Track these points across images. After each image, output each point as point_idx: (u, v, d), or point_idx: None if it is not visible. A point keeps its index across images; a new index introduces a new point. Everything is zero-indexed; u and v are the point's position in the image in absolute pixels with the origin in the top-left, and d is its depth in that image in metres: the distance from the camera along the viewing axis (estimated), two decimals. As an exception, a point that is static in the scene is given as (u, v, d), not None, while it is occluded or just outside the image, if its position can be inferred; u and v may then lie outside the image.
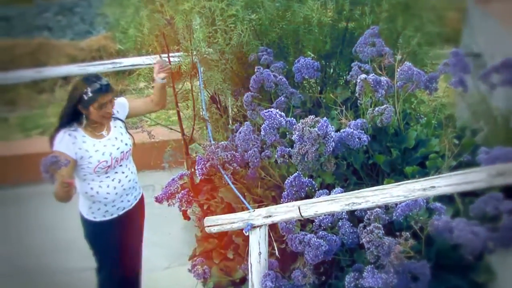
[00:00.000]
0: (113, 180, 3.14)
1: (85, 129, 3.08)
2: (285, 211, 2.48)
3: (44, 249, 4.68)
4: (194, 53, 3.79)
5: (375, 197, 2.21)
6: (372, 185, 2.52)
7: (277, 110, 3.07)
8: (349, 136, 2.88)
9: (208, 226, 2.80)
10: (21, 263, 4.54)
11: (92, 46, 9.36)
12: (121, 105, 3.33)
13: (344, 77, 4.22)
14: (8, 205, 5.41)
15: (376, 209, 2.49)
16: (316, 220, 2.73)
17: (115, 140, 3.16)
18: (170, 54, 3.82)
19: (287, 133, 3.14)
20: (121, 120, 3.32)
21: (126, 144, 3.22)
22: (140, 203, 3.44)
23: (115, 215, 3.22)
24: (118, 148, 3.14)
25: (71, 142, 2.99)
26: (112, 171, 3.12)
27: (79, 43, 9.69)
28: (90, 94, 2.96)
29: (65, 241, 4.62)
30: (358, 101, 3.25)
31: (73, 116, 3.05)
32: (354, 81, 3.35)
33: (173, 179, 3.54)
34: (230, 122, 4.42)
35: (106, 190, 3.12)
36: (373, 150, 3.13)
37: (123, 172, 3.19)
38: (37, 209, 5.19)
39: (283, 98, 3.56)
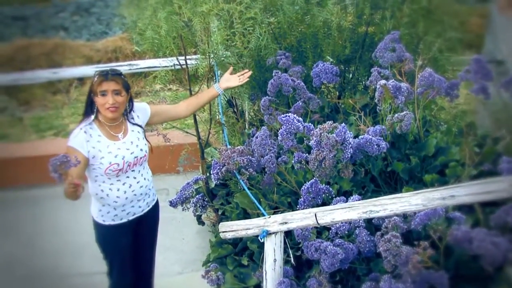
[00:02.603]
0: (123, 184, 3.13)
1: (102, 128, 3.07)
2: (301, 218, 2.48)
3: (57, 252, 4.69)
4: (212, 56, 3.81)
5: (393, 205, 2.21)
6: (390, 193, 2.53)
7: (295, 115, 3.08)
8: (368, 143, 2.88)
9: (223, 232, 2.81)
10: (33, 265, 4.56)
11: (108, 47, 9.42)
12: (142, 110, 3.32)
13: (363, 82, 4.22)
14: (21, 207, 5.44)
15: (394, 217, 2.49)
16: (333, 228, 2.73)
17: (130, 144, 3.15)
18: (187, 57, 3.84)
19: (304, 138, 3.15)
20: (139, 126, 3.30)
21: (141, 150, 3.20)
22: (154, 210, 3.42)
23: (124, 220, 3.21)
24: (132, 153, 3.13)
25: (85, 140, 2.98)
26: (123, 175, 3.11)
27: (95, 44, 9.75)
28: (95, 79, 2.97)
29: (78, 244, 4.64)
30: (377, 107, 3.26)
31: (89, 106, 3.06)
32: (373, 87, 3.36)
33: (188, 183, 3.56)
34: (247, 127, 4.43)
35: (116, 194, 3.11)
36: (391, 158, 3.13)
37: (135, 178, 3.18)
38: (50, 212, 5.22)
39: (301, 103, 3.57)
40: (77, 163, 2.52)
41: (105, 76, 2.99)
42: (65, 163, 2.45)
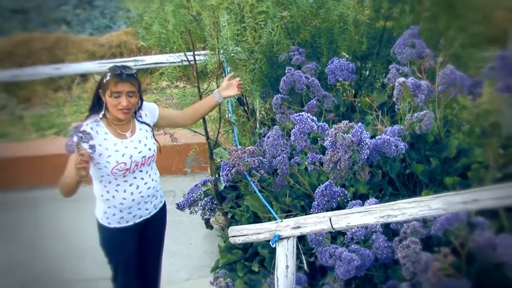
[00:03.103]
0: (130, 185, 3.13)
1: (109, 126, 3.07)
2: (315, 222, 2.49)
3: (59, 256, 4.72)
4: (221, 51, 3.81)
5: (412, 209, 2.21)
6: (409, 197, 2.53)
7: (309, 114, 3.08)
8: (385, 144, 2.88)
9: (233, 237, 2.83)
10: (34, 270, 4.59)
11: (112, 42, 9.46)
12: (150, 109, 3.33)
13: (381, 80, 4.22)
14: (22, 209, 5.47)
15: (413, 222, 2.49)
16: (348, 233, 2.74)
17: (138, 143, 3.16)
18: (196, 52, 3.85)
19: (318, 138, 3.15)
20: (148, 124, 3.31)
21: (149, 149, 3.21)
22: (161, 213, 3.43)
23: (130, 223, 3.22)
24: (140, 152, 3.14)
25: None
26: (130, 176, 3.12)
27: (98, 39, 9.80)
28: (107, 78, 2.97)
29: (81, 247, 4.67)
30: (396, 106, 3.26)
31: (97, 102, 3.06)
32: (391, 85, 3.36)
33: (196, 185, 3.57)
34: (258, 126, 4.44)
35: (122, 195, 3.12)
36: (410, 159, 3.13)
37: (142, 179, 3.19)
38: (52, 214, 5.26)
39: (315, 101, 3.58)
40: (93, 145, 2.58)
41: (120, 77, 2.99)
42: (86, 136, 2.54)
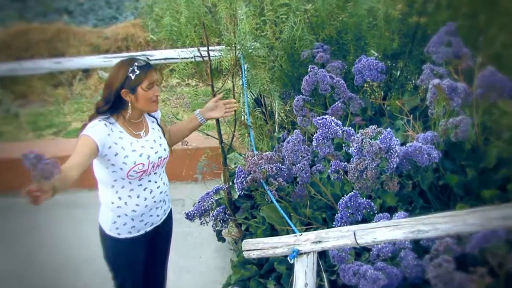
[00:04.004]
0: (144, 189, 3.14)
1: (123, 125, 3.09)
2: (337, 237, 2.49)
3: (57, 267, 4.75)
4: (238, 47, 3.83)
5: (445, 224, 2.21)
6: (442, 210, 2.53)
7: (333, 118, 3.09)
8: (417, 151, 2.88)
9: (247, 251, 2.83)
10: (31, 281, 4.62)
11: (118, 34, 9.52)
12: (156, 112, 3.38)
13: (413, 81, 4.22)
14: (17, 215, 5.50)
15: (446, 238, 2.49)
16: (374, 249, 2.74)
17: (154, 143, 3.19)
18: (210, 48, 3.87)
19: (343, 144, 3.17)
20: (158, 124, 3.34)
21: (164, 150, 3.24)
22: (169, 218, 3.46)
23: (141, 232, 3.23)
24: (156, 152, 3.16)
25: (106, 133, 2.95)
26: (145, 179, 3.13)
27: (103, 31, 9.86)
28: (137, 72, 2.97)
29: (78, 259, 4.70)
30: (429, 110, 3.26)
31: (115, 105, 3.05)
32: (424, 87, 3.36)
33: (207, 194, 3.59)
34: (277, 130, 4.46)
35: (135, 201, 3.12)
36: (444, 169, 3.13)
37: (155, 182, 3.21)
38: (49, 221, 5.29)
39: (340, 104, 3.59)
40: (58, 171, 2.46)
41: (149, 66, 3.05)
42: (49, 168, 2.41)
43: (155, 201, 3.23)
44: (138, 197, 3.14)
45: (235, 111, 3.80)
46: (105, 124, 2.98)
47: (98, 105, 3.09)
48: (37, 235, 5.23)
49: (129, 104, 3.05)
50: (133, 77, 2.97)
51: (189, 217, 3.53)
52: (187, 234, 4.79)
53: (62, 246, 5.00)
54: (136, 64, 3.00)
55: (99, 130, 2.94)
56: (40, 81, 8.92)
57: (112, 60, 5.01)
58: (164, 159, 3.24)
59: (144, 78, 2.99)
